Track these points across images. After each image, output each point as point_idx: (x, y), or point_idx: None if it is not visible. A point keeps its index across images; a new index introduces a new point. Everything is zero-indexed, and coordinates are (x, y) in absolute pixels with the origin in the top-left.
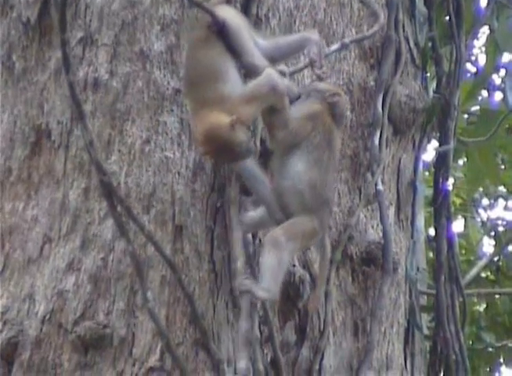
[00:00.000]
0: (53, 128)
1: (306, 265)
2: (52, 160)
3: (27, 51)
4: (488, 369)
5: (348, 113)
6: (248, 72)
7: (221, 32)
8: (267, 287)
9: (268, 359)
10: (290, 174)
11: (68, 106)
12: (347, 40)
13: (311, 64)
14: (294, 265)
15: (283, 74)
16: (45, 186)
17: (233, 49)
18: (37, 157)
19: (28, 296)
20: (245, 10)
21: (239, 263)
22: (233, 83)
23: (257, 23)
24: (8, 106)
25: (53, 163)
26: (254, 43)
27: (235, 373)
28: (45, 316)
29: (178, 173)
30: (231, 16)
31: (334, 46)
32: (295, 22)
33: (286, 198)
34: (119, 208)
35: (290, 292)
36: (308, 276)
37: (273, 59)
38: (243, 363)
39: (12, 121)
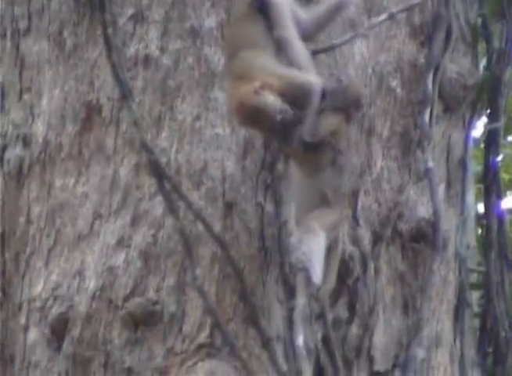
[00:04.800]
0: (104, 105)
1: (356, 242)
2: (102, 137)
3: (78, 27)
4: None
5: (399, 90)
6: (279, 45)
7: (262, 8)
8: (316, 271)
9: (319, 336)
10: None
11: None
12: (394, 10)
13: (352, 27)
14: (344, 243)
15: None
16: (96, 163)
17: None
18: (88, 134)
19: (78, 272)
20: None
21: (294, 238)
22: (267, 57)
23: None
24: (59, 83)
25: (104, 139)
26: (296, 19)
27: (287, 351)
28: (95, 292)
29: (229, 150)
30: None
31: (382, 16)
32: None
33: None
34: (168, 186)
35: (341, 269)
36: (357, 253)
37: (314, 29)
38: (300, 340)
39: (63, 98)
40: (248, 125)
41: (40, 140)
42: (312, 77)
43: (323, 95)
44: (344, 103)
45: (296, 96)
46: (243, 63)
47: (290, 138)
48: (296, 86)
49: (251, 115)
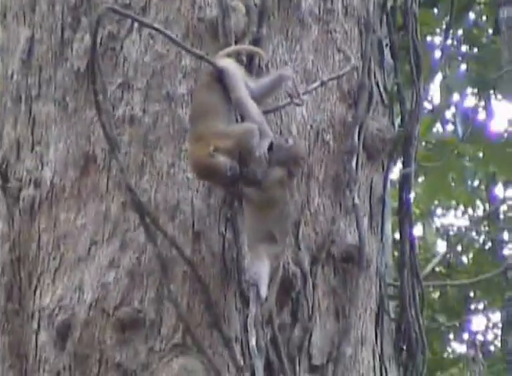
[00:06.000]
0: (98, 155)
1: (298, 263)
2: (96, 180)
3: (78, 94)
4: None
5: (331, 142)
6: (234, 105)
7: (220, 78)
8: (263, 288)
9: (268, 337)
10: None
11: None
12: (325, 78)
13: (289, 97)
14: (288, 264)
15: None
16: (91, 201)
17: (228, 91)
18: (86, 178)
19: (78, 288)
20: (249, 62)
21: (247, 261)
22: (222, 121)
23: (259, 72)
24: (62, 137)
25: (98, 182)
26: (246, 86)
27: (243, 349)
28: (91, 303)
29: (197, 190)
30: (229, 64)
31: (315, 84)
32: None
33: (260, 231)
34: (148, 219)
35: (286, 284)
36: (299, 272)
37: (261, 97)
38: (253, 341)
39: (66, 149)
40: (204, 180)
41: (48, 183)
42: (251, 125)
43: (271, 148)
44: (286, 159)
45: (242, 145)
46: (202, 127)
47: (238, 187)
48: (239, 134)
49: (207, 173)
